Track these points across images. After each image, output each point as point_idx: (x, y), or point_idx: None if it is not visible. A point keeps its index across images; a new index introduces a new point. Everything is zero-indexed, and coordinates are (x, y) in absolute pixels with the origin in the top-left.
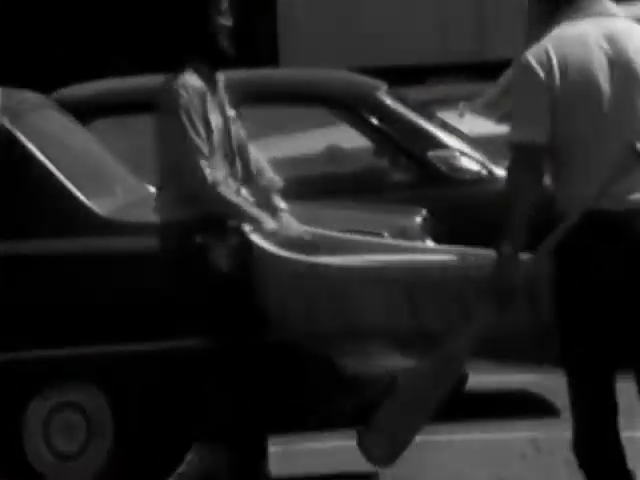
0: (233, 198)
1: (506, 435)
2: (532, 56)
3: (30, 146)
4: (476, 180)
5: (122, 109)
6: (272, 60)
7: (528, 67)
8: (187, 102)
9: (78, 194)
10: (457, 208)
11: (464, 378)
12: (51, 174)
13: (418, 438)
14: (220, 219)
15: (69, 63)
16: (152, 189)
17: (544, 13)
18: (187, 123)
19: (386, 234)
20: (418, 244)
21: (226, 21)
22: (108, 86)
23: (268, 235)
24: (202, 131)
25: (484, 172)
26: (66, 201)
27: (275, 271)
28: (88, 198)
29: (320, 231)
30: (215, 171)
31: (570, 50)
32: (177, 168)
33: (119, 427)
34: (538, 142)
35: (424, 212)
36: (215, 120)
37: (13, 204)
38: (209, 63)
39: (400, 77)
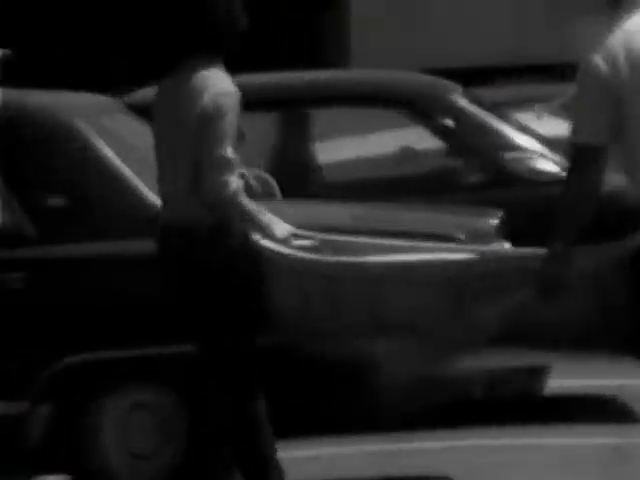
0: (250, 206)
1: (586, 441)
2: (597, 54)
3: (104, 148)
4: (553, 182)
5: None
6: (343, 62)
7: (591, 66)
8: (231, 108)
9: (149, 195)
10: (533, 210)
11: (542, 382)
12: (123, 175)
13: (497, 441)
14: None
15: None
16: None
17: (611, 7)
18: (224, 130)
19: (462, 236)
20: (421, 244)
21: (235, 19)
22: None
23: (280, 242)
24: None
25: (561, 174)
26: (136, 201)
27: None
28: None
29: (316, 234)
30: (237, 180)
31: (638, 44)
32: (194, 172)
33: (192, 427)
34: (598, 143)
35: (499, 214)
36: None
37: (89, 206)
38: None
39: (471, 78)
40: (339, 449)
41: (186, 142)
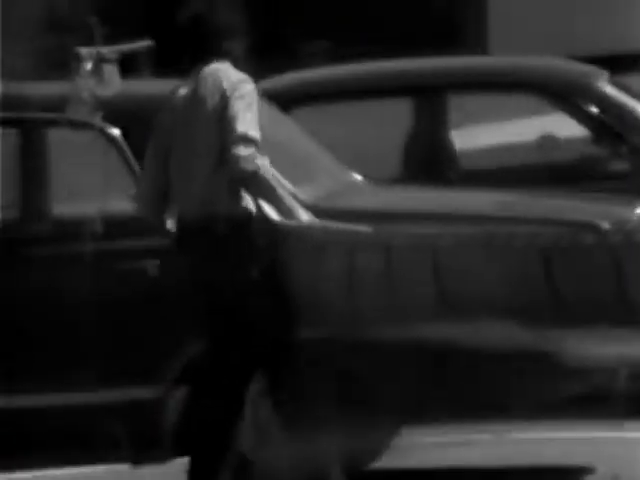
0: (275, 185)
1: None
2: None
3: None
4: None
5: (320, 98)
6: (481, 48)
7: None
8: (248, 92)
9: (285, 182)
10: None
11: None
12: None
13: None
14: None
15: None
16: (356, 176)
17: None
18: (244, 110)
19: (607, 225)
20: None
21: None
22: (305, 76)
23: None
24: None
25: None
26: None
27: None
28: (294, 185)
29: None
30: (261, 157)
31: None
32: (221, 154)
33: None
34: None
35: None
36: None
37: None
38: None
39: (619, 65)
40: (469, 436)
41: (209, 134)
